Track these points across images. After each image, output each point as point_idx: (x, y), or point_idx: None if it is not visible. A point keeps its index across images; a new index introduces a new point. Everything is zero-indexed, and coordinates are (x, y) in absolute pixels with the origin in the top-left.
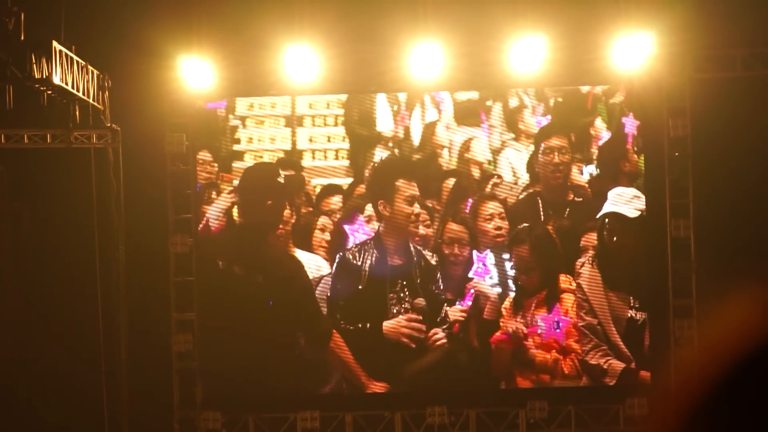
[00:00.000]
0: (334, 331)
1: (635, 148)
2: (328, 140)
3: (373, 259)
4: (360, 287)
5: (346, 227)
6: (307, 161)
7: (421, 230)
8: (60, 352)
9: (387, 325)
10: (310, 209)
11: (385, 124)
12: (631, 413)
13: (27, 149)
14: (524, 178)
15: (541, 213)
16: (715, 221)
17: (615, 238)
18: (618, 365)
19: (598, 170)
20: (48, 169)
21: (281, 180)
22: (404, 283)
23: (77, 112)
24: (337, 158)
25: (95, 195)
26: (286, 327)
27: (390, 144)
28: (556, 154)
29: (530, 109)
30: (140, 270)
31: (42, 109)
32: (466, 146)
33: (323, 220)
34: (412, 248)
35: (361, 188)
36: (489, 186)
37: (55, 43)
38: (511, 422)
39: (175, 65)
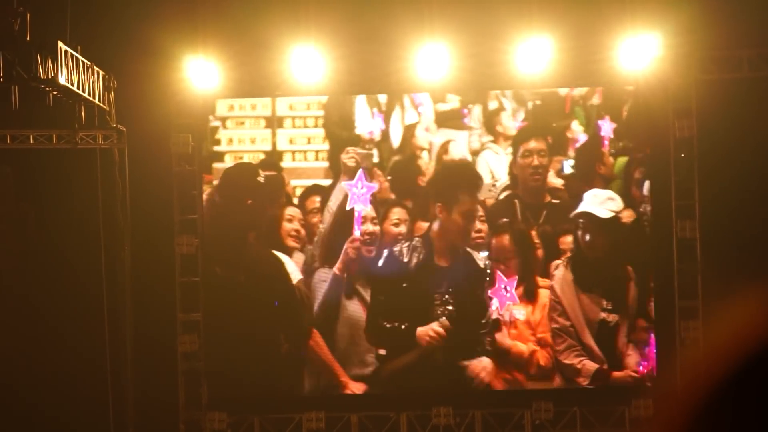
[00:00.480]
0: (314, 329)
1: (611, 151)
2: (308, 142)
3: (421, 257)
4: (404, 285)
5: (345, 184)
6: (287, 162)
7: (393, 229)
8: (65, 353)
9: (420, 330)
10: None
11: (364, 125)
12: (636, 414)
13: (33, 150)
14: (503, 180)
15: (519, 215)
16: (720, 222)
17: (588, 238)
18: (591, 366)
19: (574, 170)
20: (53, 170)
21: (261, 180)
22: (449, 286)
23: (83, 113)
24: (317, 159)
25: (101, 195)
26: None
27: (367, 146)
28: (535, 156)
29: (509, 111)
30: (146, 270)
31: (47, 110)
32: (444, 148)
33: (291, 211)
34: (461, 251)
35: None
36: None
37: (60, 44)
38: (516, 423)
39: (181, 66)
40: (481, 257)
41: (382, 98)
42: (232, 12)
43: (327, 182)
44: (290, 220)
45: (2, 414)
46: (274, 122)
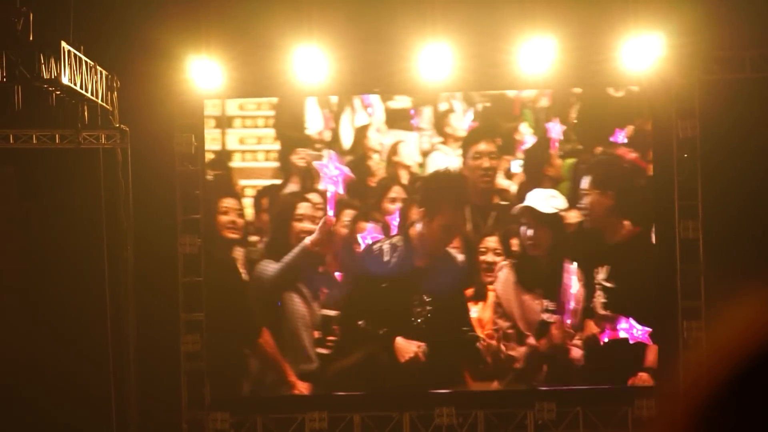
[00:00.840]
0: (264, 328)
1: (560, 153)
2: (258, 142)
3: (401, 257)
4: (383, 285)
5: (317, 163)
6: (236, 162)
7: (343, 230)
8: (68, 353)
9: (399, 342)
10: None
11: (315, 126)
12: (639, 415)
13: (36, 149)
14: None
15: (468, 215)
16: (723, 222)
17: (530, 233)
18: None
19: (522, 171)
20: (56, 170)
21: (210, 178)
22: (428, 287)
23: (86, 113)
24: (267, 160)
25: (104, 195)
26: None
27: (318, 146)
28: (485, 158)
29: (458, 113)
30: (149, 270)
31: (51, 110)
32: (394, 150)
33: (227, 203)
34: (441, 253)
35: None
36: (403, 190)
37: (63, 44)
38: (519, 423)
39: (184, 66)
40: (460, 256)
41: (334, 99)
42: (235, 12)
43: (276, 182)
44: (226, 212)
45: (5, 414)
46: (223, 122)
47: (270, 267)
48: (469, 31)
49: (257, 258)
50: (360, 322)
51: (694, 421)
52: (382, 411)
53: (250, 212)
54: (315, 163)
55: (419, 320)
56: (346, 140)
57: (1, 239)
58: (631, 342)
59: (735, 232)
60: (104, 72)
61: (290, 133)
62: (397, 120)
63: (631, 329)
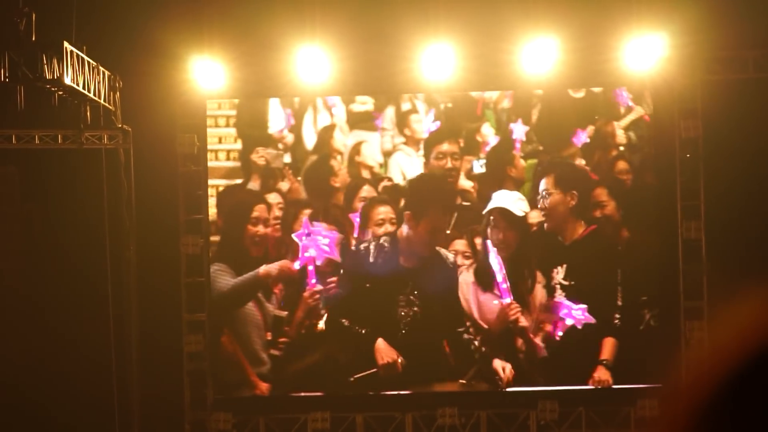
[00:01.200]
0: (226, 328)
1: (522, 154)
2: (219, 141)
3: (387, 257)
4: (367, 285)
5: (305, 240)
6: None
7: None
8: (71, 353)
9: (380, 343)
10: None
11: (277, 126)
12: (641, 415)
13: (38, 150)
14: None
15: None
16: (726, 223)
17: (500, 235)
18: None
19: (485, 171)
20: (59, 170)
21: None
22: (414, 287)
23: (88, 113)
24: (228, 159)
25: (106, 196)
26: None
27: (280, 146)
28: (448, 159)
29: (420, 113)
30: (151, 271)
31: (53, 110)
32: (356, 150)
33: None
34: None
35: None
36: (380, 189)
37: (66, 44)
38: (522, 423)
39: (187, 66)
40: (450, 256)
41: (296, 99)
42: (238, 12)
43: (237, 182)
44: None
45: (7, 414)
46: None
47: (221, 280)
48: (471, 31)
49: (214, 259)
50: (343, 321)
51: (696, 422)
52: (384, 411)
53: (213, 212)
54: (302, 240)
55: (406, 321)
56: (309, 141)
57: (4, 239)
58: (579, 327)
59: (738, 232)
60: (107, 72)
61: (251, 132)
62: (359, 121)
63: (570, 312)
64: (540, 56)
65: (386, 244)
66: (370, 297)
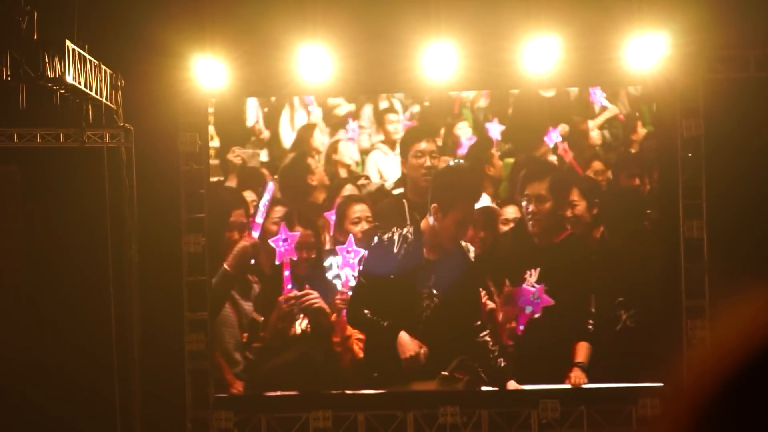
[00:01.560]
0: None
1: (499, 153)
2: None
3: (411, 249)
4: (391, 276)
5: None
6: None
7: (274, 227)
8: (72, 352)
9: (403, 336)
10: None
11: (253, 119)
12: (643, 413)
13: (40, 148)
14: (391, 180)
15: (407, 215)
16: (728, 222)
17: (482, 235)
18: None
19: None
20: (61, 169)
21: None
22: (436, 280)
23: (90, 112)
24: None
25: (108, 194)
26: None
27: (256, 144)
28: (427, 157)
29: (398, 112)
30: (153, 269)
31: (55, 109)
32: (333, 148)
33: None
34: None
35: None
36: (356, 188)
37: (68, 43)
38: (523, 422)
39: (188, 65)
40: (472, 249)
41: (273, 98)
42: (240, 11)
43: (216, 179)
44: None
45: (8, 413)
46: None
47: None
48: (473, 30)
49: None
50: (366, 312)
51: (698, 420)
52: (386, 410)
53: None
54: (279, 245)
55: (426, 313)
56: (286, 139)
57: (5, 238)
58: (537, 314)
59: (739, 231)
60: (108, 71)
61: (229, 130)
62: (336, 119)
63: (528, 297)
64: (542, 55)
65: (410, 236)
66: (393, 288)
